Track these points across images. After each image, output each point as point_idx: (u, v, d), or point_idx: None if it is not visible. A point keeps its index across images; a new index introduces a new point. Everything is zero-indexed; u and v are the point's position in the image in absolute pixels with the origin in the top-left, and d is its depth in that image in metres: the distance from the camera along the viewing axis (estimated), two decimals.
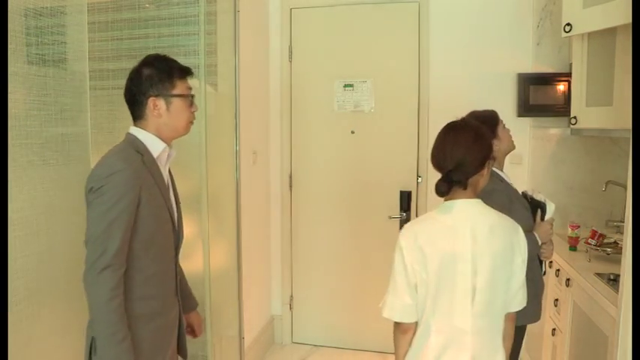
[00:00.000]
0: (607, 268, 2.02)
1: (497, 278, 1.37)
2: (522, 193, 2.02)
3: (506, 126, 2.01)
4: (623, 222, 1.44)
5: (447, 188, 1.35)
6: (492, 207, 1.46)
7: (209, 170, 2.08)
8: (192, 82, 1.54)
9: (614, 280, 1.87)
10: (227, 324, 2.37)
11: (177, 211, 1.57)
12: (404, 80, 3.07)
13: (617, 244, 2.29)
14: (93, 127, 1.90)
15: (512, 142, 2.00)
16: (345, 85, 3.16)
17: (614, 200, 2.78)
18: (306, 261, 3.34)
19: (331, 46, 3.15)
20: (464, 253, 1.35)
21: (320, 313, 3.34)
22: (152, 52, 1.52)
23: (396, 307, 1.39)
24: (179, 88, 1.46)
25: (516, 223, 1.45)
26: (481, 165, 1.38)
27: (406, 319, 1.40)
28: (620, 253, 1.34)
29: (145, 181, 1.37)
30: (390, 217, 3.12)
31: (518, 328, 1.86)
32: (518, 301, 1.44)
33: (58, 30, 1.68)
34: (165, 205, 1.45)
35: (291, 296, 3.40)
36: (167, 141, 1.48)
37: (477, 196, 1.42)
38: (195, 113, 1.52)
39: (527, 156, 2.95)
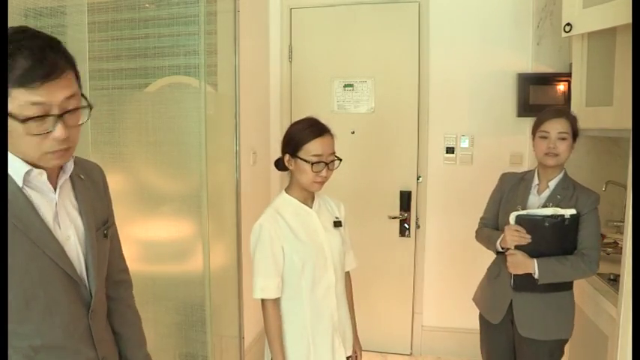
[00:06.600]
0: (607, 268, 2.02)
1: None
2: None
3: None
4: (623, 222, 1.44)
5: None
6: None
7: (209, 170, 2.07)
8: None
9: (614, 280, 1.87)
10: (227, 324, 2.37)
11: (92, 251, 1.04)
12: (404, 80, 3.07)
13: (617, 244, 2.29)
14: (93, 127, 1.90)
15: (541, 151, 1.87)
16: (345, 85, 3.16)
17: (614, 200, 2.78)
18: None
19: (331, 46, 3.15)
20: None
21: None
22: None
23: None
24: (17, 99, 0.85)
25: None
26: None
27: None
28: (620, 253, 1.34)
29: None
30: (390, 217, 3.12)
31: None
32: None
33: (58, 30, 1.68)
34: (45, 254, 0.95)
35: None
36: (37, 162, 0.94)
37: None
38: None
39: (527, 156, 2.94)
